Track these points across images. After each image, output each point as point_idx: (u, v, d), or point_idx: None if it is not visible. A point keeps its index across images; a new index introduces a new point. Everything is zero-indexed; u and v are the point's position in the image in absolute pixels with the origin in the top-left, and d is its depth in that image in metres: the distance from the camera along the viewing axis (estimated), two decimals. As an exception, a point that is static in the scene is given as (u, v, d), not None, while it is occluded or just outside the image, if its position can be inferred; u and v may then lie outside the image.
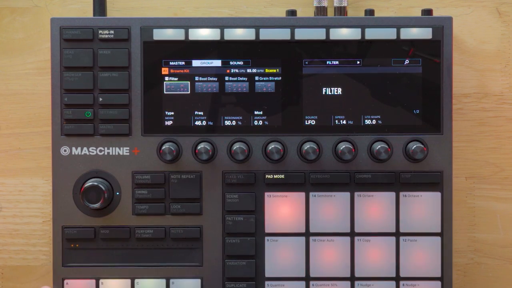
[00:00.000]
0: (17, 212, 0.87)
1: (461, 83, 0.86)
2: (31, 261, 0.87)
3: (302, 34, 0.80)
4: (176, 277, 0.80)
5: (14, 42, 0.86)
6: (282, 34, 0.80)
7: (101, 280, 0.80)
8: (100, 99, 0.79)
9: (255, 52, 0.80)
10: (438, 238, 0.80)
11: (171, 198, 0.80)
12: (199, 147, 0.79)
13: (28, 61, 0.86)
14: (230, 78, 0.80)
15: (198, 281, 0.80)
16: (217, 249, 0.80)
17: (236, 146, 0.79)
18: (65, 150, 0.80)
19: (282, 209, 0.80)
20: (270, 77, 0.80)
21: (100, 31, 0.79)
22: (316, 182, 0.80)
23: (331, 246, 0.80)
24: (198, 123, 0.80)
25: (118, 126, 0.80)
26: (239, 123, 0.80)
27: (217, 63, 0.80)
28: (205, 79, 0.80)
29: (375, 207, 0.80)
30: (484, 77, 0.86)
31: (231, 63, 0.80)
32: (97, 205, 0.79)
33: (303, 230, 0.80)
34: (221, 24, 0.80)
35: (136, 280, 0.80)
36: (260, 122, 0.80)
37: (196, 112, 0.80)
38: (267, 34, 0.80)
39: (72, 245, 0.80)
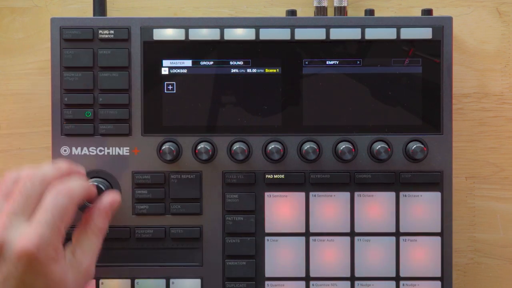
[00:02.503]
0: (17, 212, 0.87)
1: (461, 83, 0.86)
2: (31, 261, 0.87)
3: (302, 34, 0.80)
4: (176, 277, 0.80)
5: (14, 42, 0.86)
6: (282, 34, 0.80)
7: (101, 280, 0.80)
8: (100, 99, 0.79)
9: (255, 52, 0.80)
10: (438, 238, 0.80)
11: (171, 198, 0.80)
12: (199, 147, 0.79)
13: (28, 61, 0.86)
14: (230, 78, 0.80)
15: (198, 281, 0.80)
16: (217, 249, 0.80)
17: (236, 146, 0.79)
18: (65, 150, 0.80)
19: (282, 209, 0.80)
20: (270, 77, 0.80)
21: (100, 31, 0.79)
22: (316, 182, 0.80)
23: (331, 246, 0.80)
24: (198, 123, 0.80)
25: (118, 126, 0.80)
26: (239, 123, 0.80)
27: (217, 63, 0.80)
28: (205, 79, 0.80)
29: (375, 207, 0.80)
30: (484, 77, 0.86)
31: (231, 63, 0.80)
32: (97, 205, 0.79)
33: (303, 230, 0.80)
34: (221, 24, 0.80)
35: (136, 280, 0.80)
36: (260, 122, 0.80)
37: (196, 112, 0.80)
38: (267, 34, 0.80)
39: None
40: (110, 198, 0.75)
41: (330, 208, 0.80)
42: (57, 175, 0.72)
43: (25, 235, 0.67)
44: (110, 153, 0.80)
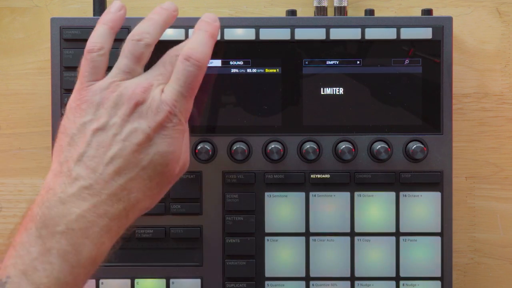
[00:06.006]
0: (17, 212, 0.87)
1: (461, 83, 0.86)
2: (31, 261, 0.87)
3: (302, 34, 0.80)
4: (176, 277, 0.80)
5: (14, 42, 0.86)
6: (282, 34, 0.80)
7: (101, 280, 0.80)
8: (100, 99, 0.79)
9: (255, 52, 0.80)
10: (438, 238, 0.80)
11: (171, 198, 0.80)
12: (199, 147, 0.79)
13: (28, 61, 0.86)
14: (230, 78, 0.80)
15: (198, 281, 0.80)
16: (217, 249, 0.80)
17: (236, 146, 0.79)
18: (65, 150, 0.80)
19: (282, 209, 0.80)
20: (270, 77, 0.80)
21: (100, 31, 0.79)
22: (316, 182, 0.80)
23: (331, 246, 0.80)
24: (198, 123, 0.80)
25: (118, 126, 0.79)
26: (239, 123, 0.80)
27: (217, 63, 0.80)
28: (205, 79, 0.80)
29: (375, 207, 0.80)
30: (484, 77, 0.86)
31: (231, 63, 0.80)
32: (97, 205, 0.79)
33: (303, 230, 0.80)
34: (221, 24, 0.79)
35: (136, 280, 0.80)
36: (260, 122, 0.80)
37: (196, 112, 0.80)
38: (267, 34, 0.80)
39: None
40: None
41: (330, 208, 0.80)
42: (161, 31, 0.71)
43: (163, 96, 0.68)
44: (110, 153, 0.80)
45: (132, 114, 0.67)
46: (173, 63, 0.70)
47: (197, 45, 0.69)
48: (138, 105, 0.67)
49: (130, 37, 0.70)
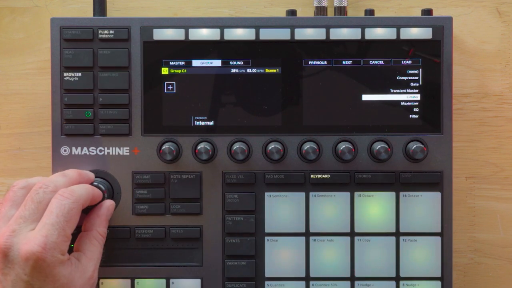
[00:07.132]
0: (17, 212, 0.87)
1: (461, 83, 0.86)
2: (31, 261, 0.87)
3: (302, 34, 0.80)
4: (176, 277, 0.80)
5: (14, 42, 0.86)
6: (282, 34, 0.80)
7: (101, 280, 0.80)
8: (100, 99, 0.79)
9: (255, 52, 0.80)
10: (438, 238, 0.80)
11: (171, 198, 0.80)
12: (199, 147, 0.79)
13: (28, 61, 0.86)
14: (230, 78, 0.80)
15: (198, 281, 0.80)
16: (217, 249, 0.80)
17: (236, 146, 0.79)
18: (65, 150, 0.80)
19: (282, 209, 0.80)
20: (270, 77, 0.80)
21: (100, 31, 0.79)
22: (316, 182, 0.80)
23: (331, 246, 0.80)
24: (198, 123, 0.80)
25: (118, 126, 0.80)
26: (239, 123, 0.80)
27: (217, 63, 0.80)
28: (205, 79, 0.80)
29: (375, 207, 0.80)
30: (484, 77, 0.86)
31: (231, 63, 0.80)
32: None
33: (303, 230, 0.80)
34: (221, 24, 0.80)
35: (136, 280, 0.80)
36: (260, 122, 0.80)
37: (196, 112, 0.80)
38: (267, 34, 0.80)
39: (72, 245, 0.80)
40: (107, 203, 0.78)
41: (330, 208, 0.80)
42: (68, 184, 0.73)
43: (31, 238, 0.67)
44: (110, 153, 0.80)
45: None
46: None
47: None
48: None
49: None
